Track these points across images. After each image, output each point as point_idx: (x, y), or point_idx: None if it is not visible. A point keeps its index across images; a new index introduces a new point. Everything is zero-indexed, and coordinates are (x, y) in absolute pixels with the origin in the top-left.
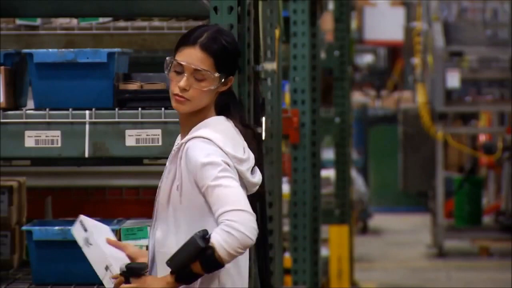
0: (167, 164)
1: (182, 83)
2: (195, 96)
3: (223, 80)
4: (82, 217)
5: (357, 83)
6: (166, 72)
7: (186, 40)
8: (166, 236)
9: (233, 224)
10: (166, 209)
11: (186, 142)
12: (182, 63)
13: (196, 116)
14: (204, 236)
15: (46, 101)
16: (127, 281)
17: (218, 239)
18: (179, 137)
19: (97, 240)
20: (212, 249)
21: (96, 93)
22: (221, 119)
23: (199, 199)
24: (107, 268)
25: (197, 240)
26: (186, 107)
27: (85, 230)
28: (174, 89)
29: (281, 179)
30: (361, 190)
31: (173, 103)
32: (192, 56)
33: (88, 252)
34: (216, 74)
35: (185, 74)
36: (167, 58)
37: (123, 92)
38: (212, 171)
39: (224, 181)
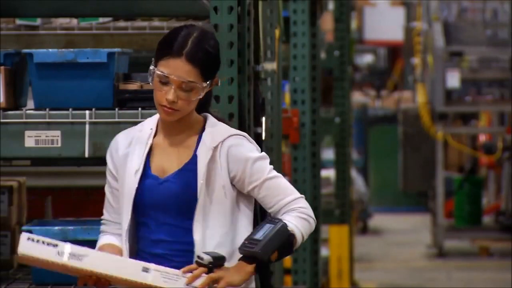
0: (201, 165)
1: (171, 96)
2: (184, 106)
3: (209, 84)
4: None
5: (357, 83)
6: (149, 79)
7: (169, 49)
8: (212, 236)
9: (308, 212)
10: (209, 209)
11: (222, 142)
12: (170, 76)
13: (182, 118)
14: (284, 223)
15: (46, 101)
16: (210, 271)
17: (298, 227)
18: (149, 131)
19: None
20: (294, 236)
21: (96, 93)
22: (212, 116)
23: (234, 195)
24: (146, 269)
25: (287, 227)
26: (175, 117)
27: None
28: (162, 101)
29: None
30: (361, 190)
31: (162, 114)
32: (178, 69)
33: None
34: (204, 84)
35: (173, 87)
36: (150, 67)
37: (123, 92)
38: (265, 165)
39: (276, 173)
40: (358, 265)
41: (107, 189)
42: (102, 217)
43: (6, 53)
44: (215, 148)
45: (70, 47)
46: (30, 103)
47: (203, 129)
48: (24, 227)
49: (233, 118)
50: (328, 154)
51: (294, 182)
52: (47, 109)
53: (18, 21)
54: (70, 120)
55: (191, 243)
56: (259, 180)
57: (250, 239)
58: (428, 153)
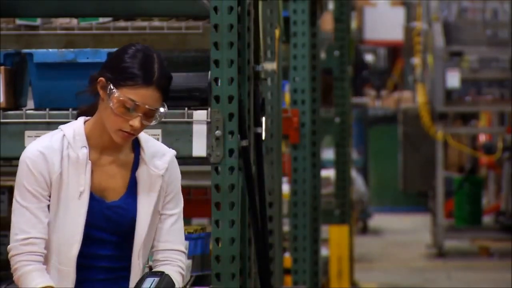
0: (146, 187)
1: (138, 124)
2: (141, 130)
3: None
4: None
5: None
6: (109, 103)
7: (136, 77)
8: (144, 257)
9: (184, 269)
10: (149, 235)
11: (167, 167)
12: (142, 105)
13: None
14: (169, 277)
15: (46, 101)
16: None
17: (179, 282)
18: (83, 150)
19: None
20: None
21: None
22: None
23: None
24: None
25: (173, 282)
26: (130, 140)
27: None
28: (123, 126)
29: (281, 179)
30: (361, 190)
31: (118, 138)
32: (148, 98)
33: None
34: (165, 108)
35: (139, 115)
36: (116, 93)
37: None
38: (181, 197)
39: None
40: (358, 265)
41: (32, 206)
42: (25, 236)
43: (6, 53)
44: (163, 175)
45: (70, 47)
46: (30, 103)
47: (136, 145)
48: None
49: (233, 118)
50: (328, 154)
51: (294, 182)
52: (47, 109)
53: (18, 21)
54: (70, 120)
55: (127, 268)
56: (173, 211)
57: None
58: (428, 153)
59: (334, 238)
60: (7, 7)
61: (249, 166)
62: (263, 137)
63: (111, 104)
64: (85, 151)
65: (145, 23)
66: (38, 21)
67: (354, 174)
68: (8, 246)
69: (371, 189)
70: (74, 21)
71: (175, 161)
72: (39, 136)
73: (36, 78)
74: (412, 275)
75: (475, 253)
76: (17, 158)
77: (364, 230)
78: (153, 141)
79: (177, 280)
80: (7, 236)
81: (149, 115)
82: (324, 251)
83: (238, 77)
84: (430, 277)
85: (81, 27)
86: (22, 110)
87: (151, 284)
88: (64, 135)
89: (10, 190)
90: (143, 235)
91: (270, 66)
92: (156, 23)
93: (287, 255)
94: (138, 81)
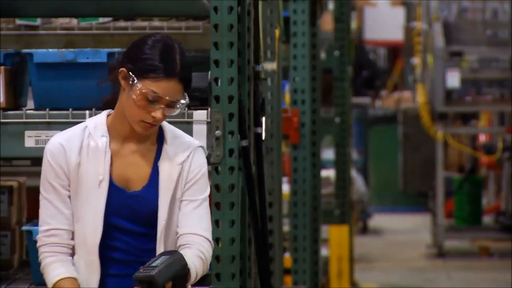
0: (172, 173)
1: (160, 115)
2: (162, 120)
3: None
4: None
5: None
6: (132, 95)
7: (159, 70)
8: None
9: (206, 255)
10: (170, 225)
11: (188, 155)
12: (164, 97)
13: None
14: (181, 254)
15: (46, 101)
16: None
17: (195, 264)
18: (103, 139)
19: None
20: (188, 270)
21: (96, 93)
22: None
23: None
24: None
25: (184, 259)
26: (152, 130)
27: None
28: (145, 118)
29: (281, 179)
30: (361, 190)
31: (139, 129)
32: (171, 90)
33: None
34: (186, 99)
35: (162, 106)
36: (138, 85)
37: None
38: (207, 185)
39: (208, 202)
40: (358, 265)
41: (52, 197)
42: (47, 227)
43: (6, 53)
44: (182, 163)
45: (70, 47)
46: (30, 103)
47: (160, 137)
48: (24, 227)
49: (233, 118)
50: (328, 154)
51: (294, 182)
52: (47, 109)
53: (18, 21)
54: (70, 120)
55: (152, 252)
56: (194, 198)
57: (146, 267)
58: (428, 153)
59: (334, 238)
60: (7, 7)
61: (249, 166)
62: (263, 137)
63: (133, 95)
64: (104, 139)
65: (145, 23)
66: (38, 21)
67: (354, 174)
68: (36, 237)
69: (371, 189)
70: (74, 21)
71: (200, 152)
72: (39, 136)
73: (36, 78)
74: (412, 275)
75: (475, 253)
76: (17, 158)
77: (364, 230)
78: (179, 133)
79: (194, 262)
80: (7, 236)
81: (171, 106)
82: (324, 251)
83: (238, 77)
84: (430, 277)
85: (81, 27)
86: (22, 110)
87: (161, 261)
88: (86, 126)
89: (10, 190)
90: (164, 224)
91: (270, 66)
92: (156, 23)
93: (287, 255)
94: (160, 74)
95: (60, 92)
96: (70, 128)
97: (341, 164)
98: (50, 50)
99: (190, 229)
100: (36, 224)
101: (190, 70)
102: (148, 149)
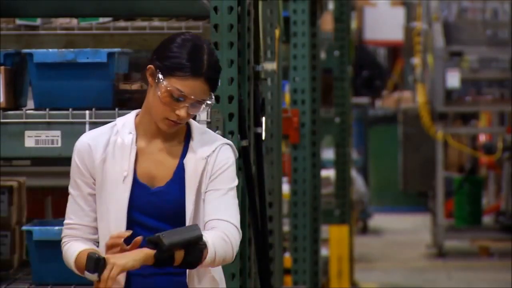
0: (197, 168)
1: (184, 113)
2: (187, 119)
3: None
4: None
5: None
6: (155, 86)
7: (185, 69)
8: None
9: (231, 238)
10: (196, 214)
11: (214, 151)
12: (189, 96)
13: None
14: (197, 226)
15: (46, 101)
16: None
17: (214, 241)
18: (129, 136)
19: None
20: (205, 245)
21: (96, 93)
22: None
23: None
24: None
25: (198, 229)
26: (176, 128)
27: None
28: (169, 115)
29: (281, 179)
30: (361, 190)
31: (164, 126)
32: (196, 89)
33: None
34: (213, 99)
35: (186, 105)
36: (164, 82)
37: (123, 92)
38: (233, 176)
39: (235, 192)
40: (358, 265)
41: (75, 194)
42: (69, 221)
43: (6, 53)
44: (207, 157)
45: (70, 47)
46: (30, 103)
47: (188, 136)
48: (24, 227)
49: (233, 118)
50: (328, 154)
51: (294, 182)
52: (47, 109)
53: (18, 21)
54: (70, 120)
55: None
56: (219, 187)
57: (159, 233)
58: (428, 153)
59: (334, 238)
60: (7, 7)
61: (249, 166)
62: (263, 137)
63: (159, 92)
64: (131, 136)
65: (145, 23)
66: (38, 21)
67: (354, 174)
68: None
69: (371, 189)
70: (74, 21)
71: (227, 148)
72: (39, 136)
73: (36, 78)
74: (412, 275)
75: (475, 253)
76: (17, 158)
77: (364, 230)
78: (207, 131)
79: (214, 241)
80: (7, 236)
81: (195, 105)
82: (324, 251)
83: (238, 77)
84: (430, 277)
85: (81, 27)
86: (22, 110)
87: (175, 229)
88: (115, 124)
89: (10, 190)
90: (190, 219)
91: (270, 66)
92: (156, 23)
93: (287, 255)
94: (187, 73)
95: (60, 92)
96: (101, 127)
97: (341, 164)
98: (50, 50)
99: (215, 215)
100: (36, 224)
101: (218, 71)
102: (174, 147)
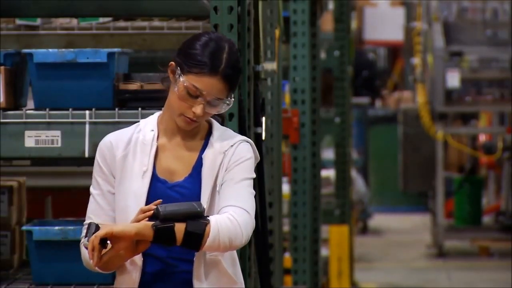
0: (212, 164)
1: (200, 111)
2: (205, 118)
3: (233, 98)
4: None
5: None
6: (175, 88)
7: (203, 66)
8: None
9: (239, 221)
10: (212, 207)
11: (232, 146)
12: (204, 93)
13: None
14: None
15: (46, 101)
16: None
17: (218, 220)
18: (151, 133)
19: None
20: (207, 223)
21: (96, 93)
22: (216, 121)
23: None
24: None
25: (201, 205)
26: (193, 126)
27: None
28: (186, 112)
29: (281, 179)
30: (361, 190)
31: (181, 123)
32: (213, 87)
33: None
34: (231, 100)
35: (202, 102)
36: (181, 78)
37: (123, 92)
38: (250, 167)
39: (251, 184)
40: (358, 265)
41: (95, 193)
42: (88, 220)
43: (6, 53)
44: (225, 151)
45: (70, 47)
46: (30, 103)
47: (209, 133)
48: (24, 227)
49: (233, 118)
50: (328, 154)
51: (294, 182)
52: (47, 109)
53: (18, 21)
54: (70, 120)
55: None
56: (233, 177)
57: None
58: (428, 153)
59: (334, 238)
60: (7, 7)
61: None
62: (263, 137)
63: (176, 88)
64: (152, 133)
65: (145, 23)
66: (38, 21)
67: (354, 174)
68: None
69: (371, 189)
70: (74, 21)
71: (246, 145)
72: (39, 136)
73: (36, 78)
74: (412, 275)
75: (475, 253)
76: (17, 158)
77: (364, 230)
78: (231, 131)
79: (218, 220)
80: (7, 236)
81: (212, 104)
82: (324, 251)
83: None
84: (430, 277)
85: (81, 27)
86: (22, 110)
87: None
88: (139, 123)
89: (10, 190)
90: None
91: (270, 66)
92: (156, 23)
93: (287, 255)
94: (204, 69)
95: (60, 92)
96: (127, 128)
97: (341, 164)
98: (50, 50)
99: (227, 203)
100: (36, 224)
101: (237, 71)
102: (196, 144)
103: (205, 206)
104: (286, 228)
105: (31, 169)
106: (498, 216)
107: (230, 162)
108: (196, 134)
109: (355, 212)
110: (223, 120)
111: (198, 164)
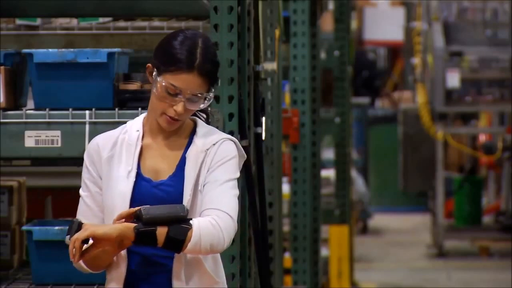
0: (195, 163)
1: (181, 109)
2: (187, 115)
3: (213, 92)
4: None
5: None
6: (153, 89)
7: (178, 63)
8: None
9: (221, 226)
10: (194, 206)
11: (214, 144)
12: (183, 90)
13: None
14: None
15: (46, 101)
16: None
17: (200, 224)
18: (136, 133)
19: None
20: (189, 228)
21: (96, 93)
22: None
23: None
24: None
25: (184, 208)
26: (176, 126)
27: None
28: (167, 111)
29: (281, 179)
30: (361, 190)
31: (163, 123)
32: (190, 83)
33: None
34: (211, 94)
35: (182, 100)
36: (158, 78)
37: (123, 92)
38: (233, 168)
39: (236, 184)
40: (358, 265)
41: (84, 195)
42: (72, 219)
43: (6, 53)
44: (207, 150)
45: (70, 47)
46: (30, 103)
47: (193, 132)
48: (24, 227)
49: (233, 118)
50: (328, 154)
51: (294, 182)
52: (47, 109)
53: (18, 21)
54: (70, 120)
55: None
56: (216, 178)
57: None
58: (428, 153)
59: (334, 238)
60: (7, 7)
61: (249, 166)
62: (263, 137)
63: (155, 89)
64: (137, 134)
65: (145, 23)
66: (38, 21)
67: (354, 174)
68: None
69: (371, 189)
70: (74, 21)
71: (229, 143)
72: (39, 136)
73: (36, 78)
74: (412, 275)
75: (475, 253)
76: (17, 158)
77: (364, 230)
78: (214, 129)
79: (200, 224)
80: (7, 236)
81: (192, 100)
82: (324, 251)
83: (238, 77)
84: (430, 277)
85: (81, 27)
86: (22, 110)
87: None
88: (126, 124)
89: (10, 190)
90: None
91: (270, 66)
92: (156, 23)
93: (287, 255)
94: (180, 66)
95: (60, 92)
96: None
97: (341, 164)
98: (50, 50)
99: (209, 205)
100: (36, 224)
101: (214, 65)
102: (180, 143)
103: (186, 204)
104: (286, 228)
105: (31, 169)
106: (498, 216)
107: (213, 162)
108: (181, 132)
109: (355, 212)
110: (207, 117)
111: (182, 163)
